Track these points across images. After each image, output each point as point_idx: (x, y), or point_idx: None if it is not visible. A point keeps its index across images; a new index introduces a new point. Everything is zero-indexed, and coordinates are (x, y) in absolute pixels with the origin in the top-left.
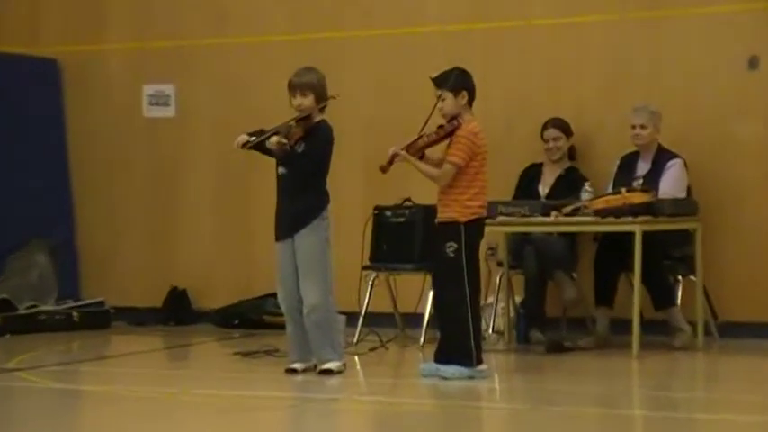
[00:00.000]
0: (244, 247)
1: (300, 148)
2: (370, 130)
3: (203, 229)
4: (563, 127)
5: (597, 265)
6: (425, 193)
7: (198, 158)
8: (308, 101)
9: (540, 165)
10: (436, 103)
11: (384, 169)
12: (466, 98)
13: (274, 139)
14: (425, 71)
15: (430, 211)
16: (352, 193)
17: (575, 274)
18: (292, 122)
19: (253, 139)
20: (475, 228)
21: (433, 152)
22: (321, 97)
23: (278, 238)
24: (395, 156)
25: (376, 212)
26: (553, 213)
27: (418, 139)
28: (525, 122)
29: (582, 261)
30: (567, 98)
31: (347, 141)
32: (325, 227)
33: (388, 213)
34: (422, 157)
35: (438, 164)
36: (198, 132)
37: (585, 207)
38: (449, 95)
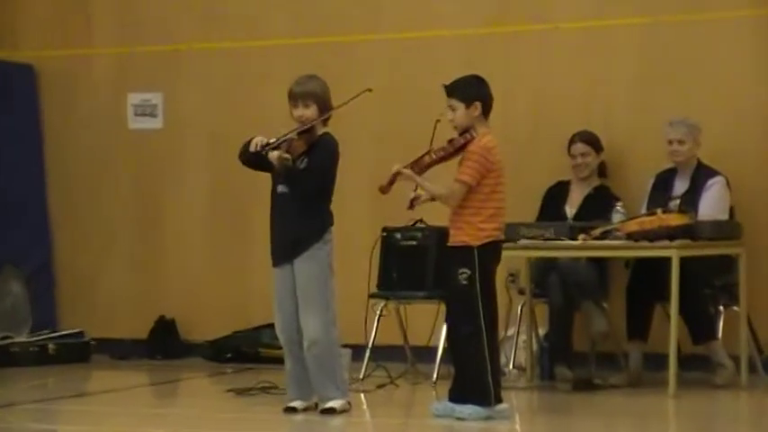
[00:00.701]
0: (239, 272)
1: (302, 164)
2: (379, 143)
3: (194, 252)
4: (592, 141)
5: (630, 294)
6: (439, 214)
7: (189, 175)
8: (310, 112)
9: (567, 183)
10: (439, 116)
11: (384, 190)
12: (479, 109)
13: (275, 153)
14: (439, 79)
15: (444, 233)
16: (358, 214)
17: (605, 304)
18: (293, 135)
19: (273, 140)
20: (489, 252)
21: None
22: (324, 108)
23: (275, 264)
24: (396, 174)
25: (384, 235)
26: (581, 236)
27: (425, 155)
28: (550, 136)
29: (613, 289)
30: (596, 109)
31: (353, 156)
32: (328, 251)
33: (398, 236)
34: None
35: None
36: (188, 146)
37: (617, 230)
38: (460, 106)
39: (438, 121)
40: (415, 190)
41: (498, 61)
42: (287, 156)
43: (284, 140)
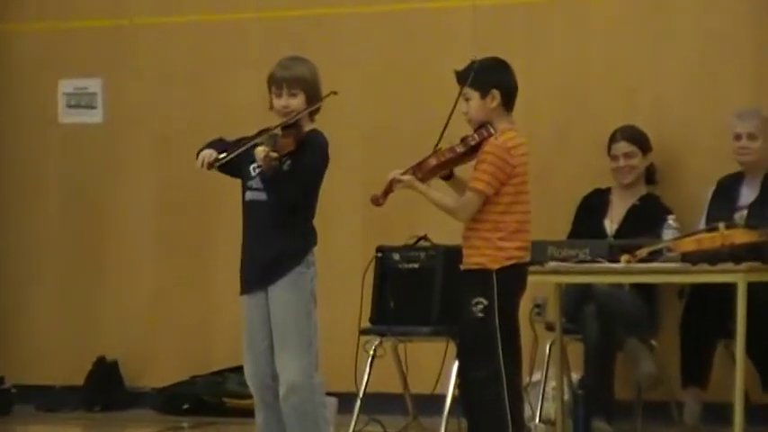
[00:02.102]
0: (198, 303)
1: (287, 167)
2: (373, 143)
3: (142, 277)
4: (638, 139)
5: (685, 330)
6: (448, 230)
7: (135, 182)
8: (296, 102)
9: (607, 191)
10: (455, 106)
11: (378, 201)
12: (498, 99)
13: (261, 150)
14: (449, 62)
15: (454, 253)
16: (348, 230)
17: (654, 343)
18: (277, 130)
19: (223, 156)
20: (511, 277)
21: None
22: (314, 97)
23: (245, 291)
24: (394, 182)
25: (380, 256)
26: (624, 258)
27: (430, 156)
28: (585, 132)
29: (664, 324)
30: (643, 99)
31: (341, 160)
32: (311, 277)
33: (397, 257)
34: (450, 177)
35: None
36: (135, 146)
37: (669, 249)
38: (474, 95)
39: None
40: (397, 179)
41: (521, 40)
42: (274, 154)
43: (263, 138)
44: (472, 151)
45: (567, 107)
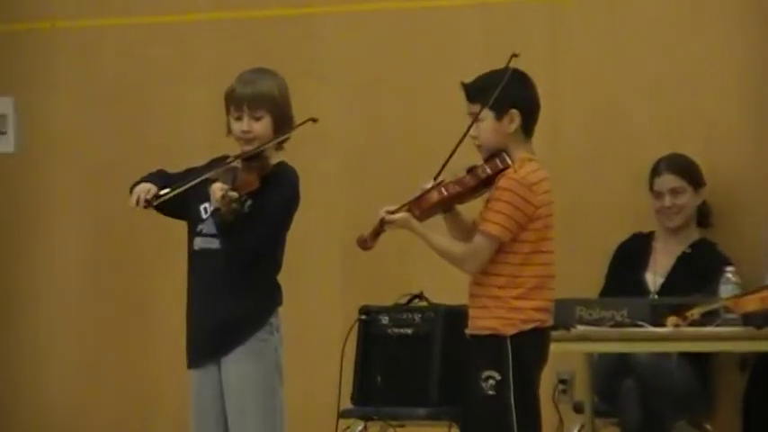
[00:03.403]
0: (133, 377)
1: (247, 209)
2: (356, 173)
3: (65, 341)
4: (687, 171)
5: (748, 410)
6: (449, 285)
7: (57, 224)
8: (261, 126)
9: (649, 236)
10: (469, 128)
11: (365, 243)
12: (517, 122)
13: (218, 188)
14: (452, 74)
15: (457, 315)
16: (324, 285)
17: (708, 426)
18: (236, 163)
19: (165, 192)
20: (530, 345)
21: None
22: (283, 121)
23: (192, 365)
24: (384, 222)
25: (364, 318)
26: (670, 320)
27: (431, 190)
28: (621, 163)
29: (721, 403)
30: (693, 122)
31: (316, 195)
32: (275, 345)
33: (386, 320)
34: (447, 209)
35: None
36: (56, 180)
37: (727, 309)
38: (487, 116)
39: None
40: (389, 220)
41: (540, 44)
42: (234, 193)
43: (219, 172)
44: (483, 185)
45: (598, 132)
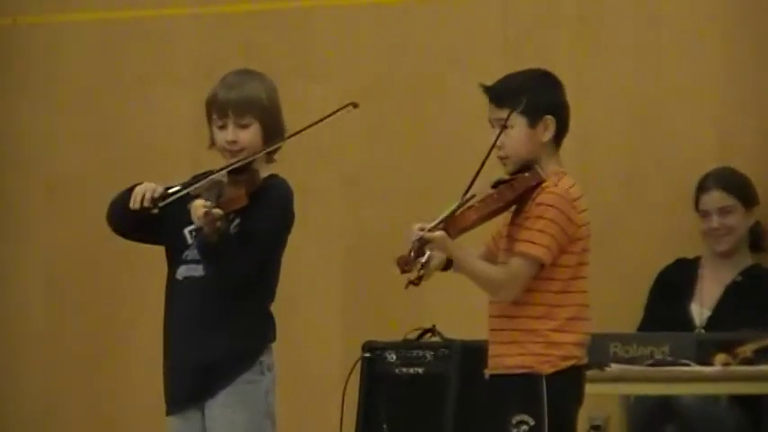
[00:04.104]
0: (100, 422)
1: (234, 229)
2: (359, 190)
3: (24, 391)
4: (738, 188)
5: None
6: (464, 317)
7: (15, 250)
8: (248, 135)
9: (694, 262)
10: (497, 138)
11: (405, 264)
12: (552, 130)
13: (199, 205)
14: (466, 75)
15: (475, 352)
16: (323, 318)
17: None
18: (221, 177)
19: (175, 189)
20: (568, 385)
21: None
22: (273, 128)
23: (172, 410)
24: (422, 243)
25: (368, 356)
26: (719, 358)
27: (463, 206)
28: (662, 180)
29: None
30: (743, 132)
31: (314, 215)
32: (266, 387)
33: (393, 358)
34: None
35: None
36: (16, 192)
37: None
38: (520, 122)
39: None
40: (423, 260)
41: (566, 40)
42: (218, 211)
43: (202, 186)
44: (513, 202)
45: (635, 144)
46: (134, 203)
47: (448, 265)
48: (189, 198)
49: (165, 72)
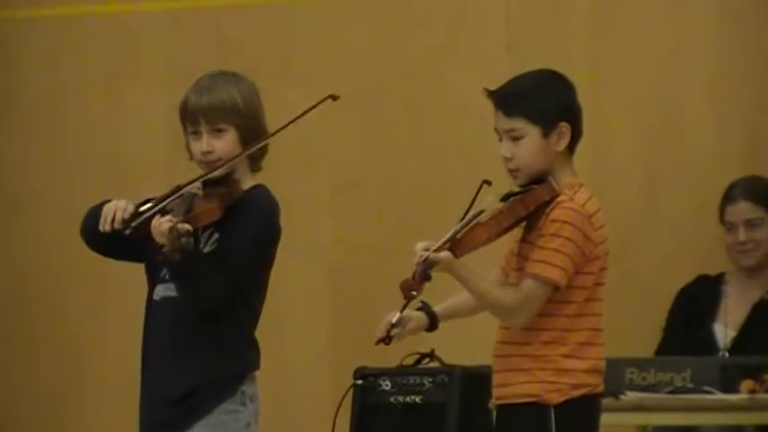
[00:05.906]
0: None
1: (211, 245)
2: (348, 202)
3: None
4: (766, 198)
5: None
6: (465, 342)
7: None
8: (224, 143)
9: (718, 278)
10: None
11: (410, 290)
12: (567, 138)
13: (164, 221)
14: (467, 76)
15: (476, 379)
16: (311, 343)
17: None
18: (195, 188)
19: (147, 207)
20: (578, 416)
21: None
22: (252, 135)
23: None
24: (427, 264)
25: (360, 384)
26: (745, 385)
27: (470, 224)
28: (683, 190)
29: None
30: None
31: (300, 228)
32: (247, 419)
33: (387, 386)
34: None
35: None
36: None
37: None
38: (531, 130)
39: (485, 183)
40: (403, 308)
41: (579, 37)
42: (185, 226)
43: (174, 200)
44: (526, 218)
45: (654, 151)
46: (103, 226)
47: (432, 326)
48: (163, 214)
49: (135, 71)
